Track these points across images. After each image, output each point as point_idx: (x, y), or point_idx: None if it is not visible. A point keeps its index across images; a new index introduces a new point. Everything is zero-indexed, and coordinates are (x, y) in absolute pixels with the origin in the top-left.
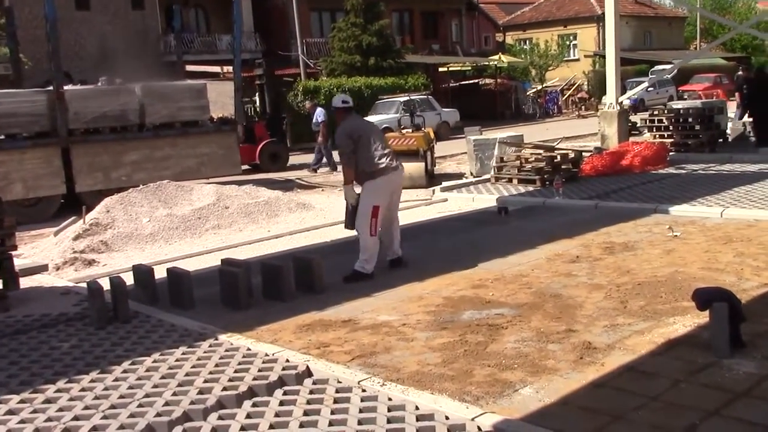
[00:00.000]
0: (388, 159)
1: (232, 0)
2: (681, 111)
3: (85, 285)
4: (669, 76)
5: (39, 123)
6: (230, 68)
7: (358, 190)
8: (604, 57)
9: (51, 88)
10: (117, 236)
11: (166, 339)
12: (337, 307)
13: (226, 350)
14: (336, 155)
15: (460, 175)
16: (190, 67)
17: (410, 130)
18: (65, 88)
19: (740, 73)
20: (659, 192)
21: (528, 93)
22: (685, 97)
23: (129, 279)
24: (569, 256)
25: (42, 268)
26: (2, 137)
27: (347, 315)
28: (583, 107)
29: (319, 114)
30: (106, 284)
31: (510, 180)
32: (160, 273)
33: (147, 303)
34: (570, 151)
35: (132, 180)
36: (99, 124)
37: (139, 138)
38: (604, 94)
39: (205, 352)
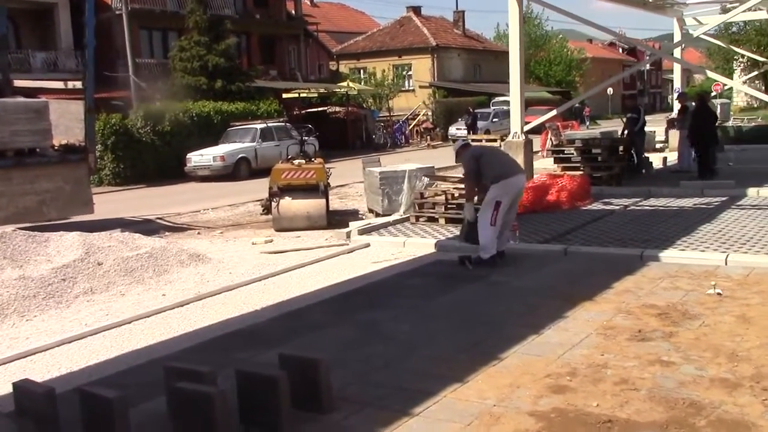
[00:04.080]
0: (509, 167)
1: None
2: (590, 142)
3: None
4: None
5: None
6: (77, 83)
7: None
8: (440, 88)
9: None
10: None
11: None
12: None
13: None
14: None
15: (354, 213)
16: (20, 83)
17: (303, 162)
18: None
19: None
20: (621, 233)
21: (376, 122)
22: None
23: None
24: (625, 329)
25: None
26: None
27: None
28: (429, 137)
29: None
30: None
31: (433, 219)
32: (22, 371)
33: None
34: None
35: None
36: None
37: None
38: (450, 124)
39: None
